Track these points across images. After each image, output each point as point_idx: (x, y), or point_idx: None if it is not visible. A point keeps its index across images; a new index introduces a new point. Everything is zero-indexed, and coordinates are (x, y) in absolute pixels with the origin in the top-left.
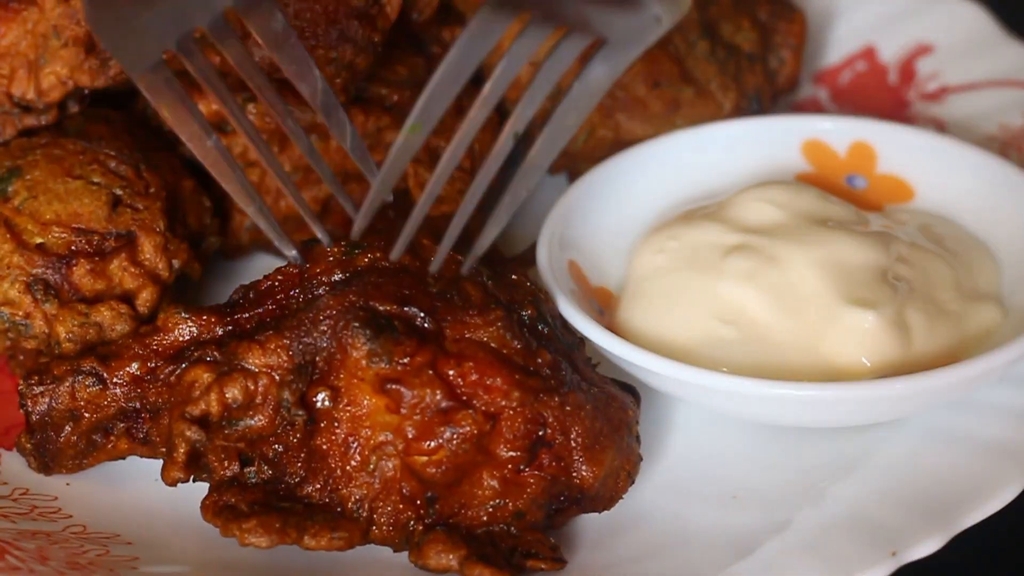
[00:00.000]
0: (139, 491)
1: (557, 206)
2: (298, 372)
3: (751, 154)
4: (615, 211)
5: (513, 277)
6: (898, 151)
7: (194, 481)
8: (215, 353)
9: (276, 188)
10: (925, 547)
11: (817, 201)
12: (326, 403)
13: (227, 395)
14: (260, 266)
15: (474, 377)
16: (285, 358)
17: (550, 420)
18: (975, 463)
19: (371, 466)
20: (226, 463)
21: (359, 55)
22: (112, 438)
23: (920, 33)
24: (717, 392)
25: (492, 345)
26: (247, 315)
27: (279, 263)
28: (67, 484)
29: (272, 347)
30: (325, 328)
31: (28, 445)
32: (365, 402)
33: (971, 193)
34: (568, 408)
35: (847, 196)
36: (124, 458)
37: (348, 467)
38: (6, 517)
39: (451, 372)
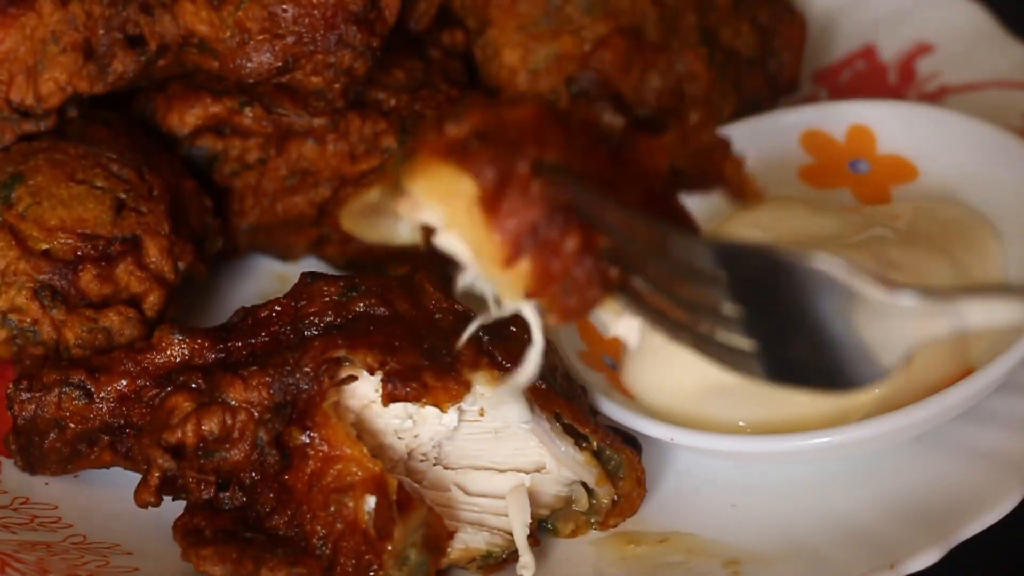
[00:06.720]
0: None
1: None
2: (276, 411)
3: (752, 155)
4: None
5: (512, 329)
6: (896, 129)
7: (174, 500)
8: (200, 381)
9: (273, 190)
10: (924, 559)
11: (805, 218)
12: (302, 440)
13: (203, 427)
14: (257, 267)
15: None
16: (266, 395)
17: None
18: (974, 472)
19: (332, 508)
20: (203, 487)
21: (357, 60)
22: (96, 449)
23: (920, 32)
24: (731, 454)
25: None
26: (240, 344)
27: (275, 265)
28: (67, 492)
29: (254, 383)
30: (308, 370)
31: (14, 445)
32: (340, 447)
33: (973, 164)
34: None
35: (852, 183)
36: (108, 468)
37: (313, 504)
38: (6, 528)
39: None
